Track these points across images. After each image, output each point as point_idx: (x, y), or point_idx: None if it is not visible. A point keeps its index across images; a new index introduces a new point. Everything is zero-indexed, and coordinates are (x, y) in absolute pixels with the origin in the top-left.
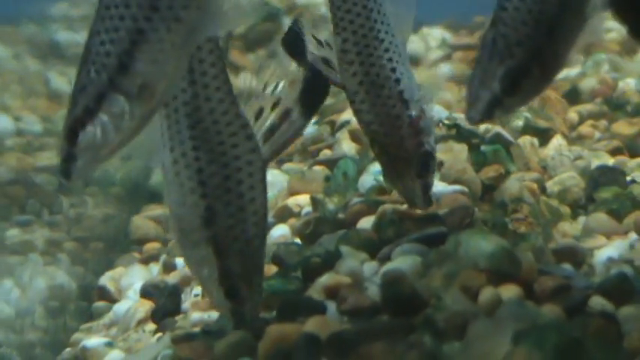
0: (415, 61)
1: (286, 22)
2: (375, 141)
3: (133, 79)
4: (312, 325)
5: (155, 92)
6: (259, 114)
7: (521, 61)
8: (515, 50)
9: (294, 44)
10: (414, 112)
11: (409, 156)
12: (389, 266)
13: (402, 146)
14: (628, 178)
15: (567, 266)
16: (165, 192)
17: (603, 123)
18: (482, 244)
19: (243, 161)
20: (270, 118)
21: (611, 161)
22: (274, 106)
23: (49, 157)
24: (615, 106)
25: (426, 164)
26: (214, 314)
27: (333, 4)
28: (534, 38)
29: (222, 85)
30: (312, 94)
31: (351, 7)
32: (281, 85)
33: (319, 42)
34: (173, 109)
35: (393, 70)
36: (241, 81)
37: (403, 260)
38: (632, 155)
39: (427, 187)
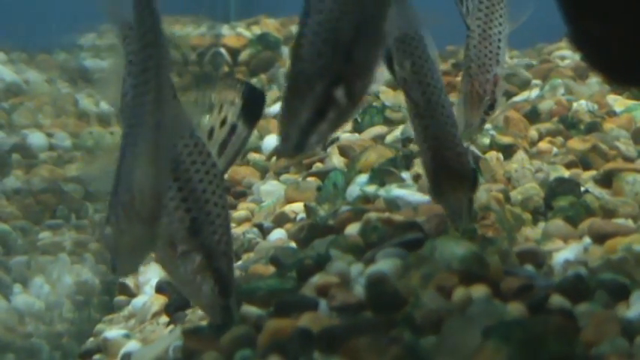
0: (396, 85)
1: (284, 51)
2: (435, 157)
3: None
4: (305, 320)
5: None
6: (211, 133)
7: (323, 92)
8: (315, 82)
9: (390, 65)
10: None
11: (462, 172)
12: (373, 268)
13: (459, 164)
14: (582, 189)
15: (529, 267)
16: None
17: (560, 140)
18: (455, 249)
19: (211, 175)
20: (220, 135)
21: (567, 173)
22: (222, 124)
23: (77, 169)
24: (570, 124)
25: (476, 181)
26: None
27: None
28: (333, 67)
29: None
30: (251, 108)
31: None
32: (225, 106)
33: (402, 65)
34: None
35: (446, 95)
36: None
37: (385, 262)
38: (585, 168)
39: (472, 203)
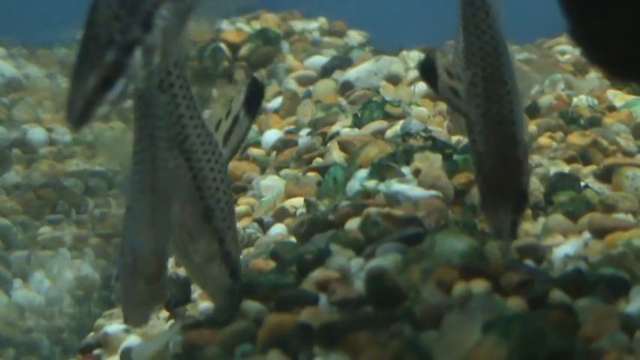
0: (396, 80)
1: (285, 46)
2: (480, 171)
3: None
4: (305, 315)
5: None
6: (218, 125)
7: (114, 59)
8: (107, 49)
9: (428, 72)
10: (521, 155)
11: (508, 192)
12: (373, 263)
13: (504, 182)
14: (582, 184)
15: (529, 262)
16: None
17: (560, 135)
18: (455, 244)
19: (219, 164)
20: (225, 126)
21: (567, 169)
22: (227, 115)
23: (77, 164)
24: (570, 119)
25: (520, 204)
26: None
27: (467, 41)
28: (128, 33)
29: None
30: (253, 99)
31: (483, 46)
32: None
33: (450, 74)
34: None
35: (511, 112)
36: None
37: (385, 257)
38: (585, 163)
39: (516, 223)
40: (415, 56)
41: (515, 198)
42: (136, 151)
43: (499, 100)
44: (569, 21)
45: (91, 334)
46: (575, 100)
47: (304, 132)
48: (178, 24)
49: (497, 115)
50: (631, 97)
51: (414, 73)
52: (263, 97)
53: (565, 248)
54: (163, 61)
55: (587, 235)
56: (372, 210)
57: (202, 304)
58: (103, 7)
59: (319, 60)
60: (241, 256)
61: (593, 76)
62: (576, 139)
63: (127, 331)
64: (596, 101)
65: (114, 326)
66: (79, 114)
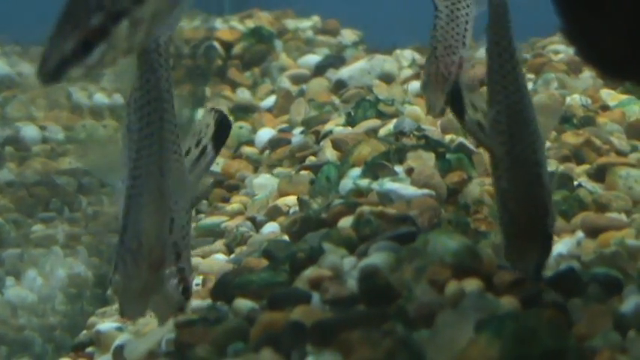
0: (389, 78)
1: (278, 44)
2: (506, 209)
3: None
4: (298, 313)
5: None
6: (188, 152)
7: (98, 24)
8: (93, 12)
9: (457, 104)
10: (546, 197)
11: (533, 232)
12: (365, 261)
13: (529, 221)
14: (575, 183)
15: None
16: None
17: (553, 134)
18: (447, 242)
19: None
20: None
21: (560, 168)
22: (197, 144)
23: (70, 162)
24: (563, 119)
25: (545, 245)
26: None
27: (491, 79)
28: (117, 2)
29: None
30: (220, 135)
31: (507, 85)
32: (202, 129)
33: (475, 107)
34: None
35: (535, 152)
36: (239, 95)
37: (378, 256)
38: (579, 162)
39: (541, 265)
40: (409, 55)
41: (540, 239)
42: (144, 135)
43: (524, 140)
44: (563, 20)
45: (84, 332)
46: (568, 99)
47: (297, 130)
48: (168, 6)
49: (522, 153)
50: (624, 97)
51: (407, 72)
52: (228, 133)
53: (558, 247)
54: (146, 38)
55: (580, 234)
56: (365, 208)
57: (195, 302)
58: None
59: (312, 58)
60: (233, 255)
61: (587, 75)
62: (570, 138)
63: (119, 329)
64: (589, 100)
65: (106, 324)
66: (52, 71)
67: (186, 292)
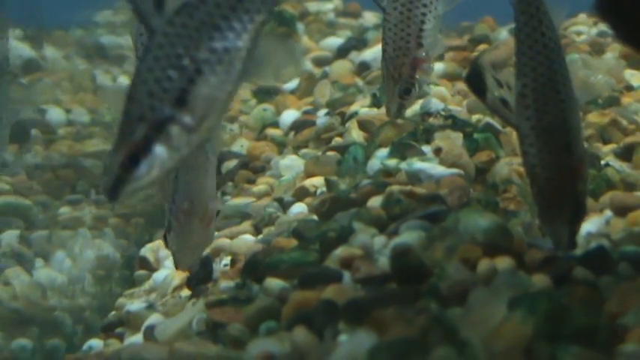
0: None
1: (300, 27)
2: (534, 183)
3: (191, 113)
4: (330, 292)
5: (208, 124)
6: None
7: (141, 138)
8: (137, 126)
9: (476, 83)
10: (576, 164)
11: (564, 203)
12: (397, 240)
13: (559, 193)
14: (602, 162)
15: None
16: None
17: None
18: (478, 221)
19: None
20: None
21: (587, 147)
22: None
23: (96, 144)
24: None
25: (577, 214)
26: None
27: (519, 50)
28: (158, 110)
29: None
30: None
31: (534, 55)
32: None
33: (499, 83)
34: None
35: (564, 120)
36: None
37: (409, 235)
38: (605, 142)
39: (574, 233)
40: None
41: (571, 208)
42: None
43: (551, 111)
44: None
45: (113, 312)
46: (592, 79)
47: (322, 112)
48: (220, 97)
49: (549, 126)
50: None
51: None
52: None
53: (587, 226)
54: (205, 135)
55: (608, 213)
56: (395, 188)
57: (224, 282)
58: (140, 83)
59: (334, 41)
60: (261, 235)
61: (610, 56)
62: (595, 118)
63: (149, 309)
64: (613, 81)
65: (136, 304)
66: (110, 189)
67: None
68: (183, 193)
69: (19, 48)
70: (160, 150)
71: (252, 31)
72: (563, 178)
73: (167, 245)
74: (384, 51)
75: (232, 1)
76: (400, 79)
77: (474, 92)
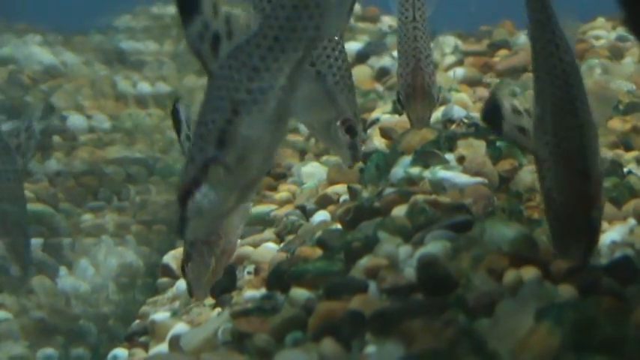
0: None
1: None
2: (550, 207)
3: (230, 153)
4: (356, 302)
5: (251, 164)
6: None
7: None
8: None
9: (493, 119)
10: (592, 190)
11: (579, 229)
12: (423, 250)
13: (574, 220)
14: (625, 170)
15: None
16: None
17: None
18: (504, 231)
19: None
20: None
21: (609, 154)
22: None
23: (117, 151)
24: None
25: (592, 241)
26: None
27: (536, 75)
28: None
29: None
30: None
31: (553, 81)
32: None
33: (517, 111)
34: None
35: (582, 146)
36: None
37: (435, 245)
38: (627, 149)
39: (588, 259)
40: (451, 42)
41: (586, 234)
42: None
43: (569, 136)
44: (624, 9)
45: (137, 321)
46: (612, 85)
47: None
48: (258, 137)
49: (567, 151)
50: None
51: (450, 59)
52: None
53: (611, 235)
54: (255, 175)
55: (632, 221)
56: (419, 197)
57: (248, 291)
58: (196, 125)
59: (354, 46)
60: (283, 243)
61: (629, 60)
62: (617, 124)
63: (174, 317)
64: (634, 87)
65: (161, 313)
66: (176, 229)
67: (351, 132)
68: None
69: (39, 54)
70: (205, 189)
71: (289, 70)
72: (579, 204)
73: (184, 275)
74: (417, 60)
75: (270, 40)
76: (432, 87)
77: (491, 129)
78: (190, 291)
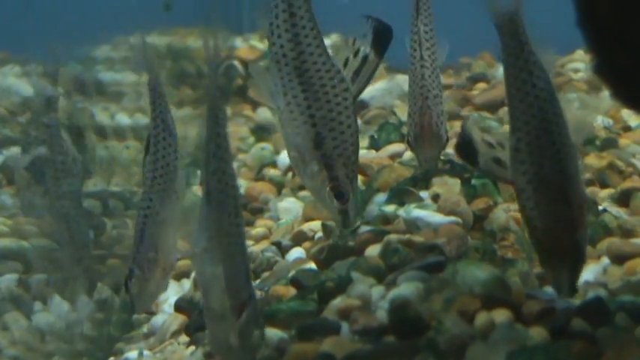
0: None
1: None
2: (533, 235)
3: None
4: (328, 344)
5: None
6: (346, 62)
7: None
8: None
9: (466, 152)
10: (575, 214)
11: (564, 253)
12: (395, 292)
13: (557, 244)
14: (600, 207)
15: (549, 289)
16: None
17: None
18: (476, 273)
19: (340, 97)
20: (354, 64)
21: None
22: (355, 54)
23: (95, 184)
24: (586, 140)
25: (577, 263)
26: None
27: (511, 104)
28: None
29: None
30: (381, 40)
31: (526, 109)
32: (357, 39)
33: (489, 144)
34: (284, 65)
35: (561, 171)
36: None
37: (407, 286)
38: (602, 186)
39: (575, 280)
40: None
41: (571, 257)
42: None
43: (547, 164)
44: (595, 57)
45: (111, 358)
46: (589, 119)
47: None
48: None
49: (545, 179)
50: None
51: None
52: (391, 38)
53: (584, 274)
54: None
55: (606, 260)
56: (393, 237)
57: None
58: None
59: None
60: (259, 281)
61: (607, 94)
62: (592, 161)
63: (147, 357)
64: (611, 122)
65: (134, 352)
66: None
67: (340, 198)
68: (149, 244)
69: (17, 85)
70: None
71: None
72: (561, 230)
73: (127, 290)
74: (424, 98)
75: None
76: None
77: (466, 162)
78: (133, 306)
